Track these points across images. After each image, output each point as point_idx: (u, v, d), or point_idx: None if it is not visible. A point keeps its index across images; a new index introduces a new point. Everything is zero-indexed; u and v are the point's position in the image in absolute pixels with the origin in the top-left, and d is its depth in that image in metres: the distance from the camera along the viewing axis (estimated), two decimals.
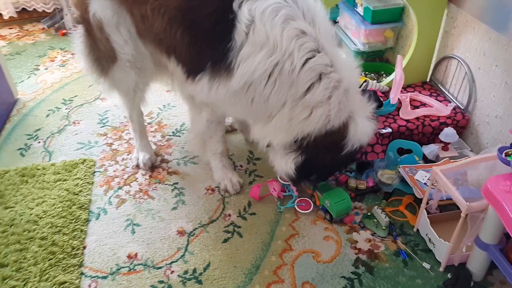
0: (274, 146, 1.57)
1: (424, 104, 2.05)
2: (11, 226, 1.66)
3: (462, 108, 1.98)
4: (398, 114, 1.99)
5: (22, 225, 1.65)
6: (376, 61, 2.54)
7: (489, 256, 1.41)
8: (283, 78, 1.39)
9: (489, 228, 1.38)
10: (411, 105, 2.05)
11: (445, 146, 1.91)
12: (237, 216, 1.75)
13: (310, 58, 1.38)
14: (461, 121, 1.96)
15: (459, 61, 1.96)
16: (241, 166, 2.01)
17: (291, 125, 1.48)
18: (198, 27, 1.44)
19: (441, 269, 1.53)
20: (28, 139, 2.20)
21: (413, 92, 2.13)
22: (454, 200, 1.44)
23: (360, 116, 1.53)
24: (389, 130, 1.90)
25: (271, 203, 1.81)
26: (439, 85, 2.15)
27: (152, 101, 2.34)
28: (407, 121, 1.95)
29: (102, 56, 1.68)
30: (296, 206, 1.77)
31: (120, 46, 1.63)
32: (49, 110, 2.44)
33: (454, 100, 2.04)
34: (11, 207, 1.74)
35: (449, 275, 1.51)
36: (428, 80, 2.22)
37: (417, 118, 1.96)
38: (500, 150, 1.37)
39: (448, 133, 1.88)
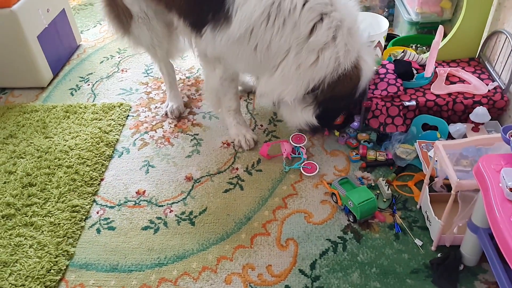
0: (288, 101, 1.61)
1: (462, 81, 1.95)
2: (46, 153, 1.93)
3: (503, 88, 1.86)
4: (430, 88, 1.92)
5: (55, 153, 1.92)
6: (432, 34, 2.43)
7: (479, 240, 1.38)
8: (282, 19, 1.45)
9: (481, 210, 1.33)
10: (448, 80, 1.96)
11: (476, 127, 1.82)
12: (244, 171, 1.86)
13: None
14: (498, 102, 1.84)
15: (507, 36, 1.83)
16: (261, 125, 2.10)
17: (300, 73, 1.51)
18: None
19: (433, 248, 1.52)
20: (80, 81, 2.49)
21: (455, 67, 2.03)
22: (448, 176, 1.41)
23: (366, 53, 1.56)
24: (413, 103, 1.85)
25: (279, 163, 1.88)
26: (486, 63, 2.02)
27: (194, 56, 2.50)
28: (438, 96, 1.88)
29: (121, 13, 1.85)
30: (301, 169, 1.83)
31: (130, 4, 1.79)
32: (104, 57, 2.70)
33: (497, 79, 1.92)
34: (50, 137, 2.02)
35: (439, 255, 1.49)
36: (476, 56, 2.10)
37: (449, 94, 1.88)
38: (505, 129, 1.31)
39: (479, 113, 1.78)
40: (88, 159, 1.90)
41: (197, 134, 2.07)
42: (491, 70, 1.98)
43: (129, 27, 1.89)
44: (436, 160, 1.53)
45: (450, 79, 1.97)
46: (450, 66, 2.05)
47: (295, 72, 1.51)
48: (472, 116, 1.80)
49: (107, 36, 2.93)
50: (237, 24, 1.48)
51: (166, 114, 2.17)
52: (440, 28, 1.93)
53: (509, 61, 1.83)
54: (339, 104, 1.64)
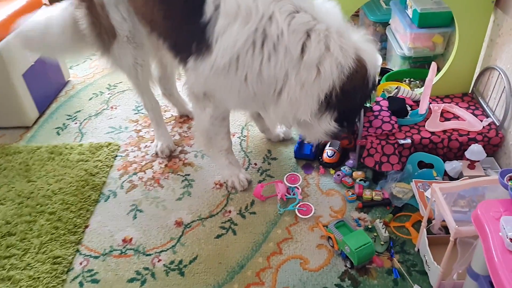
0: (306, 120, 1.58)
1: (457, 117, 1.95)
2: (28, 198, 1.87)
3: (498, 124, 1.86)
4: (424, 125, 1.91)
5: (37, 198, 1.87)
6: (424, 68, 2.45)
7: None
8: (271, 45, 1.45)
9: (481, 257, 1.30)
10: (442, 116, 1.96)
11: (472, 164, 1.80)
12: (237, 213, 1.82)
13: (291, 21, 1.43)
14: (493, 139, 1.84)
15: (500, 72, 1.83)
16: (255, 164, 2.07)
17: (306, 91, 1.49)
18: (172, 2, 1.56)
19: None
20: (67, 119, 2.45)
21: (449, 103, 2.03)
22: (446, 221, 1.38)
23: (362, 43, 1.54)
24: (408, 141, 1.84)
25: (274, 204, 1.85)
26: (479, 98, 2.03)
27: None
28: (433, 133, 1.87)
29: (104, 32, 1.82)
30: (296, 210, 1.79)
31: (119, 23, 1.77)
32: (93, 93, 2.68)
33: (492, 115, 1.91)
34: (33, 181, 1.97)
35: None
36: (469, 91, 2.10)
37: (444, 131, 1.87)
38: (502, 173, 1.29)
39: (474, 150, 1.77)
40: (72, 205, 1.84)
41: (188, 175, 2.03)
42: (484, 106, 1.98)
43: (110, 46, 1.86)
44: (434, 201, 1.51)
45: (444, 115, 1.97)
46: (444, 102, 2.05)
47: (301, 92, 1.49)
48: (467, 154, 1.79)
49: (97, 71, 2.91)
50: (220, 53, 1.47)
51: (157, 153, 2.14)
52: (433, 65, 1.94)
53: (503, 97, 1.83)
54: (355, 100, 1.60)
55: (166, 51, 1.72)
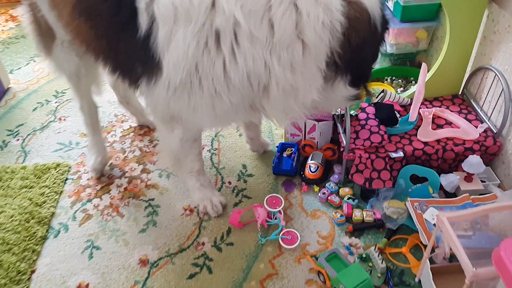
0: (320, 98, 1.29)
1: (449, 123, 1.77)
2: None
3: (495, 131, 1.68)
4: (416, 134, 1.72)
5: None
6: (406, 65, 2.25)
7: None
8: (229, 39, 1.15)
9: None
10: (434, 123, 1.77)
11: (469, 177, 1.63)
12: (212, 246, 1.57)
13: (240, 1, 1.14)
14: (491, 148, 1.66)
15: (496, 74, 1.65)
16: (229, 183, 1.82)
17: (301, 71, 1.19)
18: (99, 17, 1.28)
19: None
20: (8, 135, 2.11)
21: (439, 107, 1.85)
22: (459, 260, 1.19)
23: None
24: (401, 154, 1.64)
25: (253, 232, 1.61)
26: (471, 101, 1.85)
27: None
28: (426, 143, 1.68)
29: (44, 33, 1.54)
30: (280, 239, 1.56)
31: (54, 25, 1.49)
32: (38, 102, 2.34)
33: (487, 120, 1.74)
34: None
35: None
36: (460, 93, 1.92)
37: (438, 141, 1.68)
38: None
39: (473, 163, 1.59)
40: (14, 245, 1.54)
41: (152, 199, 1.76)
42: (478, 110, 1.80)
43: (51, 49, 1.57)
44: (440, 231, 1.31)
45: (436, 121, 1.78)
46: (433, 106, 1.86)
47: (294, 75, 1.19)
48: (465, 167, 1.61)
49: (42, 75, 2.56)
50: (171, 68, 1.21)
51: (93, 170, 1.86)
52: (424, 67, 1.74)
53: (500, 102, 1.66)
54: (368, 52, 1.29)
55: (110, 75, 1.44)
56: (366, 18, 1.19)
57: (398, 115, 1.77)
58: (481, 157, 1.64)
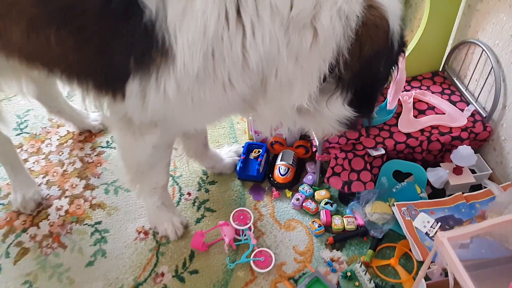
0: (303, 105, 1.04)
1: (432, 108, 1.55)
2: None
3: (484, 115, 1.48)
4: (396, 124, 1.49)
5: None
6: None
7: None
8: (251, 7, 0.89)
9: None
10: (415, 108, 1.54)
11: (458, 169, 1.43)
12: (173, 276, 1.33)
13: None
14: (481, 134, 1.46)
15: (483, 50, 1.43)
16: (189, 194, 1.56)
17: (302, 65, 0.97)
18: (82, 17, 0.92)
19: None
20: None
21: (419, 88, 1.62)
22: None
23: None
24: (382, 151, 1.42)
25: (220, 255, 1.37)
26: (455, 79, 1.63)
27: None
28: (408, 135, 1.46)
29: None
30: (252, 262, 1.34)
31: None
32: None
33: (474, 102, 1.53)
34: None
35: None
36: (440, 69, 1.70)
37: (422, 131, 1.47)
38: None
39: (463, 155, 1.39)
40: None
41: (99, 223, 1.48)
42: (463, 90, 1.58)
43: None
44: (436, 252, 1.12)
45: (416, 106, 1.55)
46: (412, 87, 1.63)
47: (296, 68, 0.96)
48: (455, 159, 1.41)
49: None
50: (187, 54, 0.91)
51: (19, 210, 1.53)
52: None
53: (490, 81, 1.44)
54: (379, 70, 1.05)
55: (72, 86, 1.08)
56: (385, 29, 0.97)
57: None
58: (469, 144, 1.45)
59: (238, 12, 0.88)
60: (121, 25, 0.91)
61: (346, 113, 1.09)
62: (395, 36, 1.00)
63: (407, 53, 1.59)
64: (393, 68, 1.11)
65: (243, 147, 1.64)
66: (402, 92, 1.59)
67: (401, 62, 1.24)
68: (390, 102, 1.48)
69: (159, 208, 1.41)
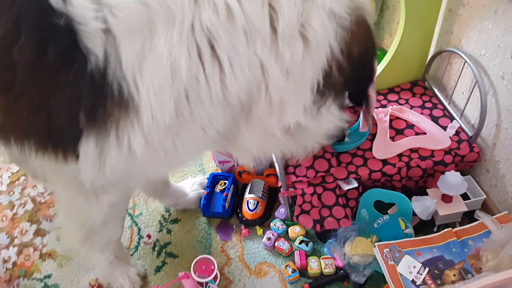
0: (300, 123, 0.90)
1: (411, 126, 1.33)
2: None
3: (470, 134, 1.26)
4: (371, 149, 1.28)
5: None
6: None
7: None
8: (224, 39, 0.73)
9: None
10: (392, 127, 1.33)
11: (448, 196, 1.23)
12: None
13: None
14: (468, 156, 1.25)
15: (466, 61, 1.20)
16: (148, 236, 1.36)
17: (294, 79, 0.81)
18: (7, 71, 0.71)
19: None
20: None
21: (396, 102, 1.40)
22: None
23: None
24: (354, 184, 1.21)
25: None
26: (436, 90, 1.40)
27: None
28: (385, 161, 1.25)
29: None
30: None
31: None
32: None
33: (458, 118, 1.31)
34: None
35: None
36: (421, 79, 1.47)
37: (400, 155, 1.25)
38: None
39: (452, 182, 1.18)
40: None
41: (49, 276, 1.28)
42: (446, 104, 1.36)
43: None
44: None
45: (393, 125, 1.33)
46: (389, 101, 1.41)
47: (287, 83, 0.81)
48: (442, 188, 1.20)
49: None
50: (155, 104, 0.73)
51: None
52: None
53: (476, 93, 1.22)
54: (366, 66, 0.94)
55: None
56: (368, 26, 0.88)
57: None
58: (456, 166, 1.25)
59: (212, 46, 0.73)
60: (60, 78, 0.70)
61: (338, 123, 0.98)
62: (372, 33, 0.91)
63: (385, 62, 1.37)
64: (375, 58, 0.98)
65: (207, 178, 1.43)
66: (377, 108, 1.38)
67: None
68: (363, 123, 1.27)
69: (113, 263, 1.20)
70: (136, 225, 1.39)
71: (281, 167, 1.21)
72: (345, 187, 1.20)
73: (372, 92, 1.15)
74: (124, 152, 0.77)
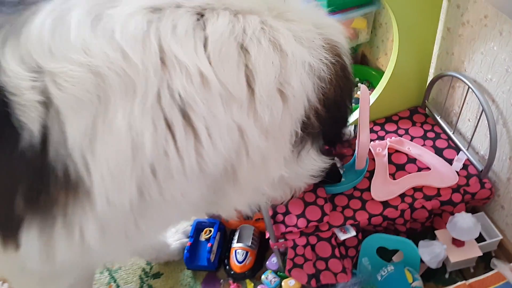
0: (287, 173, 0.81)
1: (413, 160, 1.15)
2: None
3: (480, 168, 1.08)
4: (369, 188, 1.11)
5: None
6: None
7: None
8: (199, 107, 0.63)
9: None
10: (391, 163, 1.15)
11: (459, 241, 1.05)
12: None
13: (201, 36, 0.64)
14: (479, 193, 1.07)
15: (469, 87, 1.03)
16: None
17: (274, 136, 0.72)
18: None
19: None
20: None
21: (395, 133, 1.23)
22: None
23: (313, 11, 0.79)
24: (352, 233, 1.03)
25: None
26: (439, 118, 1.23)
27: None
28: (385, 203, 1.08)
29: None
30: None
31: None
32: None
33: (465, 149, 1.13)
34: None
35: None
36: (421, 104, 1.30)
37: (402, 196, 1.08)
38: None
39: (463, 226, 1.00)
40: None
41: None
42: (450, 133, 1.18)
43: None
44: None
45: (393, 159, 1.16)
46: (386, 132, 1.24)
47: (268, 142, 0.71)
48: (452, 232, 1.02)
49: None
50: (111, 187, 0.61)
51: None
52: (364, 89, 1.09)
53: (484, 122, 1.05)
54: (342, 107, 0.85)
55: None
56: (341, 62, 0.78)
57: (339, 164, 1.15)
58: (466, 204, 1.07)
59: (185, 115, 0.62)
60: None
61: (320, 164, 0.88)
62: (348, 65, 0.81)
63: (381, 86, 1.21)
64: (352, 97, 0.90)
65: (191, 225, 1.27)
66: (374, 140, 1.21)
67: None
68: (359, 160, 1.10)
69: None
70: (115, 281, 1.24)
71: (268, 217, 1.04)
72: (342, 236, 1.03)
73: (363, 133, 1.00)
74: (75, 242, 0.64)
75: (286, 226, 1.05)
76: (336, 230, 1.04)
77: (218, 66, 0.63)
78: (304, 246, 1.04)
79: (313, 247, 1.05)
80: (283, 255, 1.14)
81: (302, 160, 0.83)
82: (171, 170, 0.63)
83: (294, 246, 1.04)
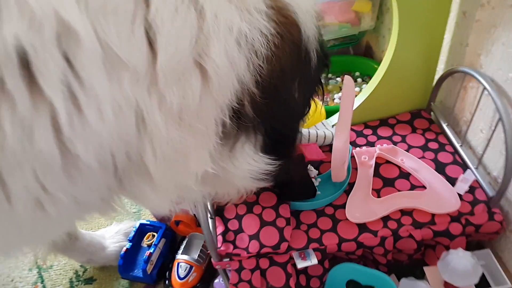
0: (215, 170, 0.60)
1: (406, 175, 0.91)
2: None
3: (491, 194, 0.83)
4: (345, 205, 0.87)
5: None
6: (348, 54, 1.37)
7: None
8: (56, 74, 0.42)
9: None
10: (378, 176, 0.91)
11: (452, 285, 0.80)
12: None
13: None
14: (485, 225, 0.81)
15: (486, 88, 0.78)
16: None
17: (193, 120, 0.51)
18: None
19: None
20: None
21: (388, 140, 0.98)
22: None
23: None
24: (311, 261, 0.80)
25: None
26: (445, 125, 0.97)
27: None
28: (363, 226, 0.83)
29: None
30: None
31: None
32: None
33: (474, 167, 0.88)
34: None
35: None
36: (426, 107, 1.04)
37: (385, 219, 0.83)
38: None
39: (458, 268, 0.75)
40: None
41: None
42: (457, 145, 0.93)
43: None
44: None
45: (381, 172, 0.91)
46: (379, 137, 0.99)
47: (181, 131, 0.51)
48: (444, 273, 0.77)
49: None
50: None
51: None
52: (347, 82, 0.85)
53: (500, 134, 0.79)
54: (289, 94, 0.61)
55: None
56: (295, 36, 0.56)
57: (315, 174, 0.91)
58: (467, 237, 0.82)
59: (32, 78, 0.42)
60: None
61: (260, 166, 0.65)
62: (311, 44, 0.59)
63: (374, 83, 0.96)
64: (315, 88, 0.70)
65: (135, 227, 1.06)
66: (361, 147, 0.96)
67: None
68: (334, 172, 0.85)
69: None
70: (42, 281, 1.04)
71: (206, 224, 0.81)
72: (300, 263, 0.79)
73: (340, 136, 0.76)
74: None
75: (234, 247, 0.82)
76: (294, 254, 0.81)
77: (97, 16, 0.42)
78: (252, 271, 0.81)
79: (263, 272, 0.82)
80: (228, 278, 0.92)
81: (236, 158, 0.61)
82: (18, 161, 0.42)
83: (239, 269, 0.81)
